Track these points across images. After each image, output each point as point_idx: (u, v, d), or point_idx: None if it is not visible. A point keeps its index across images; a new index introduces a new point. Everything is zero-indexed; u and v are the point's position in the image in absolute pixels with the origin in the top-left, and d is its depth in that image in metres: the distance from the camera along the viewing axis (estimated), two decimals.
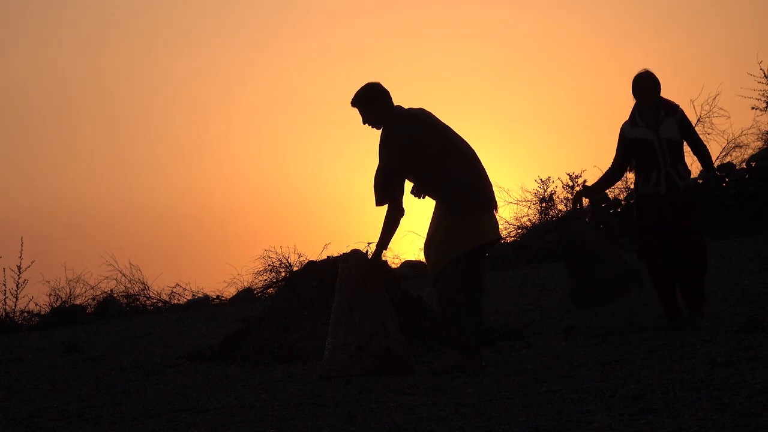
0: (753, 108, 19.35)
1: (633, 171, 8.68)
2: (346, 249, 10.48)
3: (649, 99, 8.44)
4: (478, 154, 7.64)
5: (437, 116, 7.64)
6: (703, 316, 8.54)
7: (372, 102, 7.53)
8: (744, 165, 18.20)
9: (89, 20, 28.05)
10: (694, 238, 8.41)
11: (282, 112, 27.66)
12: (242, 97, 28.39)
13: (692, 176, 17.95)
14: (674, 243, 8.43)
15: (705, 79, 29.60)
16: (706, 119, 19.06)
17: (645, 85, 8.45)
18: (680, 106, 8.51)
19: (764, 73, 19.14)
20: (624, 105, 25.97)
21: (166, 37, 28.51)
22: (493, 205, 7.55)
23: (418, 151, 7.45)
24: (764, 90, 19.26)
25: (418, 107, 7.64)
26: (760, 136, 19.07)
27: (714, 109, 19.05)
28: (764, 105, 19.28)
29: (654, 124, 8.44)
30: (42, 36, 27.62)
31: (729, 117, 19.36)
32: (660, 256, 8.48)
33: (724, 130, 19.36)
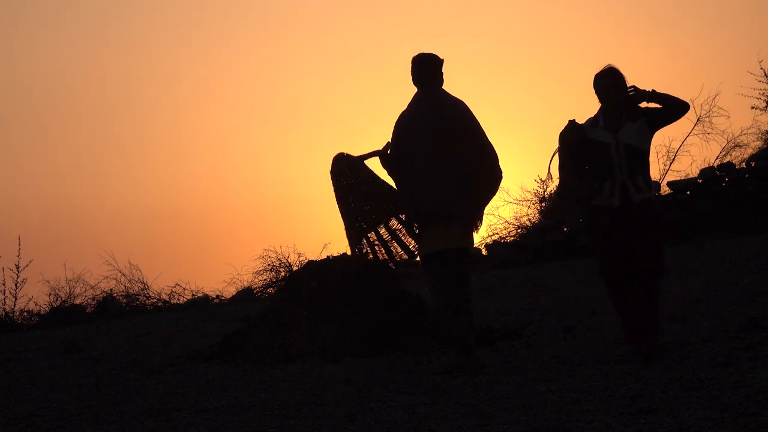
0: (753, 107, 19.35)
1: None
2: (345, 249, 10.48)
3: (608, 100, 7.51)
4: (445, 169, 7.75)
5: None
6: (653, 352, 7.28)
7: (412, 69, 7.85)
8: (744, 165, 18.19)
9: (89, 19, 28.05)
10: (646, 268, 7.37)
11: (282, 112, 27.68)
12: (242, 96, 28.40)
13: (691, 176, 18.08)
14: (631, 264, 7.39)
15: (705, 78, 29.59)
16: (706, 119, 19.06)
17: (602, 84, 7.52)
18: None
19: (764, 72, 19.13)
20: None
21: (166, 37, 28.52)
22: (434, 218, 7.61)
23: (398, 133, 7.73)
24: (764, 89, 19.25)
25: (457, 99, 7.79)
26: (760, 135, 19.06)
27: (714, 109, 19.04)
28: (764, 104, 19.27)
29: (615, 126, 7.46)
30: (41, 35, 27.63)
31: (729, 117, 19.29)
32: (618, 275, 7.44)
33: (724, 130, 19.31)
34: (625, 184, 7.39)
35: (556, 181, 7.76)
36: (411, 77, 7.82)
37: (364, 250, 8.05)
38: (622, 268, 7.37)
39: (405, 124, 7.73)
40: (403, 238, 8.02)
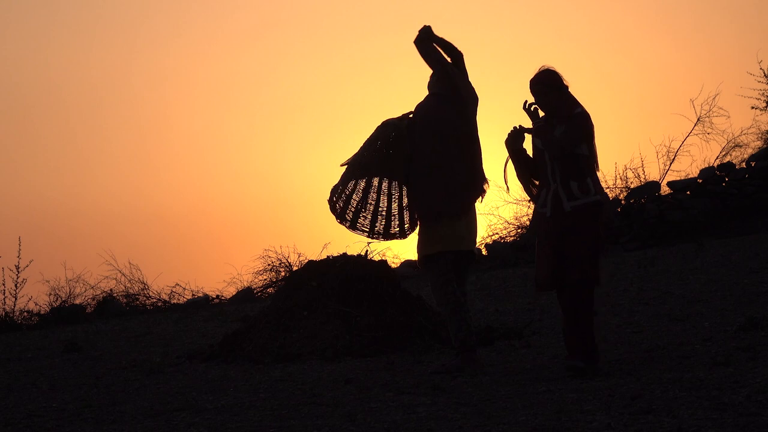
0: (753, 107, 19.38)
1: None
2: (345, 249, 10.47)
3: (543, 106, 7.12)
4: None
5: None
6: (594, 367, 6.91)
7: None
8: (744, 165, 18.22)
9: (90, 19, 28.06)
10: (575, 281, 6.98)
11: (282, 111, 27.67)
12: (242, 96, 28.40)
13: (691, 176, 18.09)
14: (560, 274, 7.04)
15: (705, 78, 29.56)
16: (706, 119, 19.09)
17: (532, 90, 7.12)
18: (581, 113, 7.08)
19: (764, 72, 19.15)
20: (624, 104, 25.96)
21: (165, 37, 28.52)
22: (461, 212, 7.60)
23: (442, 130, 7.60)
24: (764, 89, 19.27)
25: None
26: (760, 135, 19.09)
27: (714, 109, 19.08)
28: (764, 104, 19.30)
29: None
30: (41, 35, 27.64)
31: (729, 117, 19.34)
32: (547, 285, 7.11)
33: (724, 130, 19.35)
34: (557, 192, 7.01)
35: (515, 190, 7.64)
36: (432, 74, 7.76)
37: (343, 206, 7.81)
38: (551, 278, 7.02)
39: (450, 120, 7.65)
40: (392, 220, 7.84)
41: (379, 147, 7.67)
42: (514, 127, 7.23)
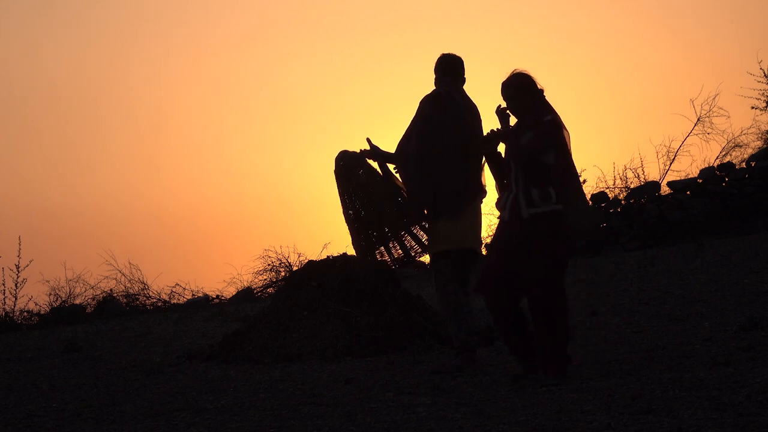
0: (753, 107, 19.39)
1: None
2: (345, 249, 10.48)
3: (514, 111, 7.00)
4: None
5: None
6: (560, 378, 6.72)
7: (449, 65, 7.74)
8: (744, 165, 18.23)
9: (89, 19, 28.06)
10: (536, 288, 6.77)
11: (282, 112, 27.67)
12: (241, 96, 28.40)
13: (691, 176, 18.09)
14: (522, 286, 6.85)
15: (705, 78, 29.60)
16: (706, 119, 19.10)
17: (505, 94, 6.98)
18: (550, 121, 6.88)
19: (764, 72, 19.15)
20: (624, 104, 25.95)
21: (165, 37, 28.53)
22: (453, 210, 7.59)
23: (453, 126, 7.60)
24: (764, 89, 19.27)
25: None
26: (760, 135, 19.10)
27: (714, 109, 19.09)
28: (764, 104, 19.30)
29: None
30: (41, 35, 27.64)
31: (729, 117, 19.36)
32: (499, 292, 6.88)
33: (724, 130, 19.37)
34: (517, 197, 6.85)
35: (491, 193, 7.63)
36: (441, 71, 7.72)
37: (378, 255, 7.89)
38: (502, 280, 6.87)
39: (462, 121, 7.64)
40: (414, 232, 7.87)
41: (357, 196, 7.78)
42: (492, 131, 7.21)
